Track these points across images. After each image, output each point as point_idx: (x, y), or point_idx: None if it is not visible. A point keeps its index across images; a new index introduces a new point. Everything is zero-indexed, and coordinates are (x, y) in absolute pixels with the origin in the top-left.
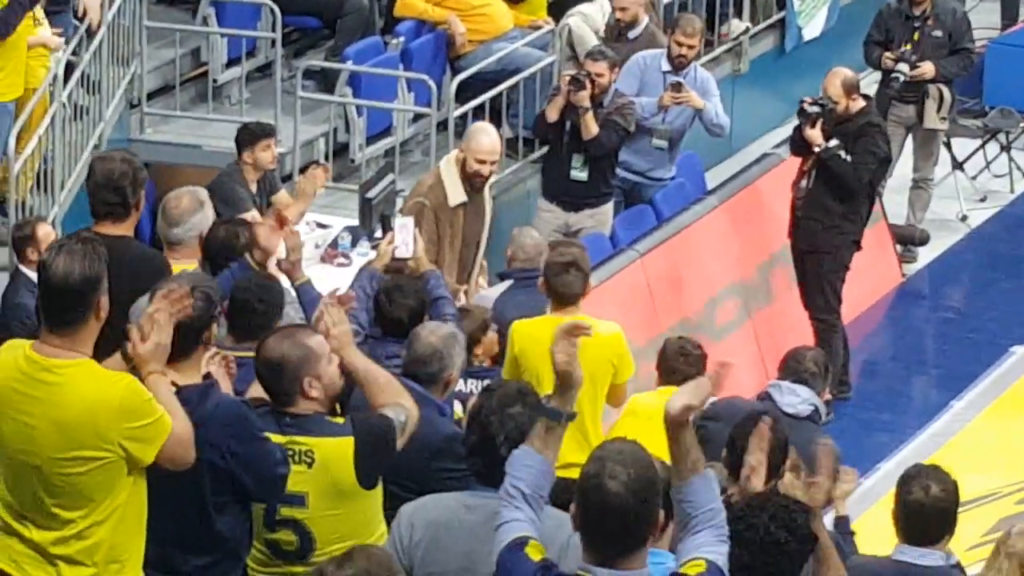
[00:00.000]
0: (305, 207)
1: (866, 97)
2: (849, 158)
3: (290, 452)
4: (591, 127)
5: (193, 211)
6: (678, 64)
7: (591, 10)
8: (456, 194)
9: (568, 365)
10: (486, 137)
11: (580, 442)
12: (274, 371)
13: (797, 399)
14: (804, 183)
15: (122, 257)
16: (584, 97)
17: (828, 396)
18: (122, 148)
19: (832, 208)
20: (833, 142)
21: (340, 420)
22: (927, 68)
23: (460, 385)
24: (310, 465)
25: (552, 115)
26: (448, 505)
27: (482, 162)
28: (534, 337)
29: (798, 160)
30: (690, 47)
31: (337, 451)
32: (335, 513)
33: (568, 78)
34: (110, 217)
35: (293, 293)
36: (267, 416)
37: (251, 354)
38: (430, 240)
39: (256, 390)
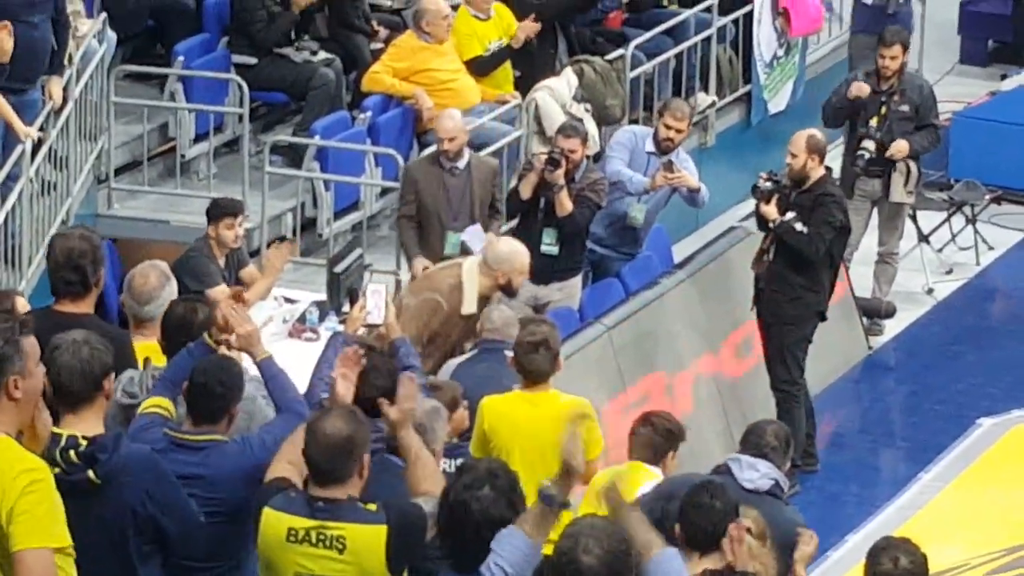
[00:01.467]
0: (272, 281)
1: (827, 168)
2: (806, 229)
3: (320, 537)
4: (566, 204)
5: (161, 287)
6: (664, 147)
7: (558, 85)
8: (470, 304)
9: (572, 456)
10: (522, 253)
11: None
12: (334, 450)
13: (756, 474)
14: (766, 257)
15: None
16: (560, 175)
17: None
18: (81, 225)
19: (793, 280)
20: (789, 215)
21: (373, 507)
22: (902, 147)
23: None
24: (341, 551)
25: (526, 192)
26: None
27: (524, 272)
28: (503, 414)
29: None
30: (678, 131)
31: (369, 539)
32: None
33: (544, 157)
34: (70, 295)
35: (255, 371)
36: (297, 499)
37: (211, 437)
38: (418, 340)
39: (280, 469)
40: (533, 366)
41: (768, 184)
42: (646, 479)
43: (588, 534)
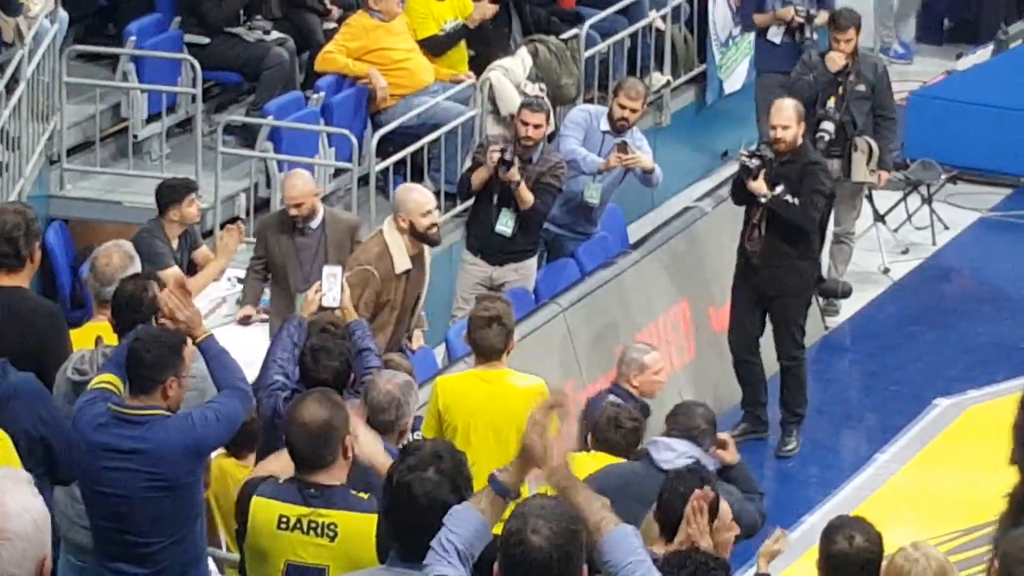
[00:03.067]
0: (226, 263)
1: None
2: (796, 200)
3: (312, 525)
4: (526, 198)
5: (124, 268)
6: (619, 127)
7: (512, 64)
8: (402, 262)
9: (534, 441)
10: (418, 194)
11: None
12: (315, 436)
13: (672, 454)
14: (757, 234)
15: (16, 307)
16: (514, 174)
17: None
18: (16, 202)
19: (789, 252)
20: (778, 188)
21: (364, 496)
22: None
23: None
24: (332, 539)
25: (475, 185)
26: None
27: (427, 213)
28: (458, 392)
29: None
30: (632, 110)
31: (361, 527)
32: None
33: (496, 156)
34: (4, 268)
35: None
36: (289, 487)
37: (153, 412)
38: (367, 307)
39: (269, 467)
40: (486, 342)
41: (755, 160)
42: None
43: (538, 514)
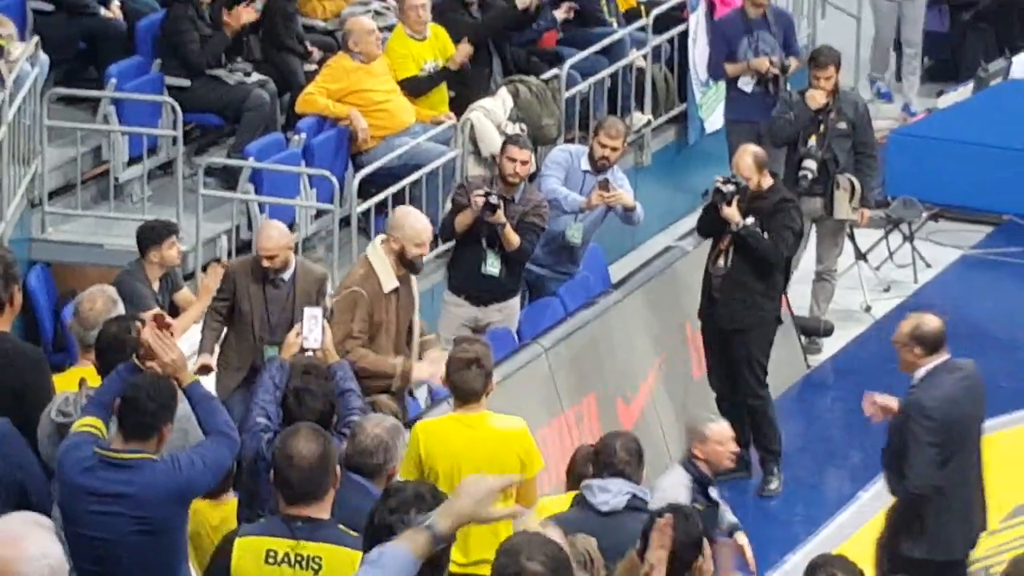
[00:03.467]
0: (207, 304)
1: (773, 175)
2: (766, 235)
3: (298, 559)
4: (512, 240)
5: (107, 312)
6: (600, 166)
7: (493, 105)
8: (389, 281)
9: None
10: (416, 221)
11: (490, 539)
12: (309, 470)
13: (608, 495)
14: (721, 263)
15: None
16: (500, 216)
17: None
18: None
19: (752, 286)
20: (749, 219)
21: (353, 533)
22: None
23: None
24: (316, 572)
25: (460, 228)
26: None
27: (421, 244)
28: (439, 437)
29: (703, 252)
30: (613, 149)
31: (345, 561)
32: None
33: (481, 201)
34: None
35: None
36: (275, 521)
37: (140, 455)
38: (363, 331)
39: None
40: (466, 384)
41: (730, 187)
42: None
43: (528, 546)
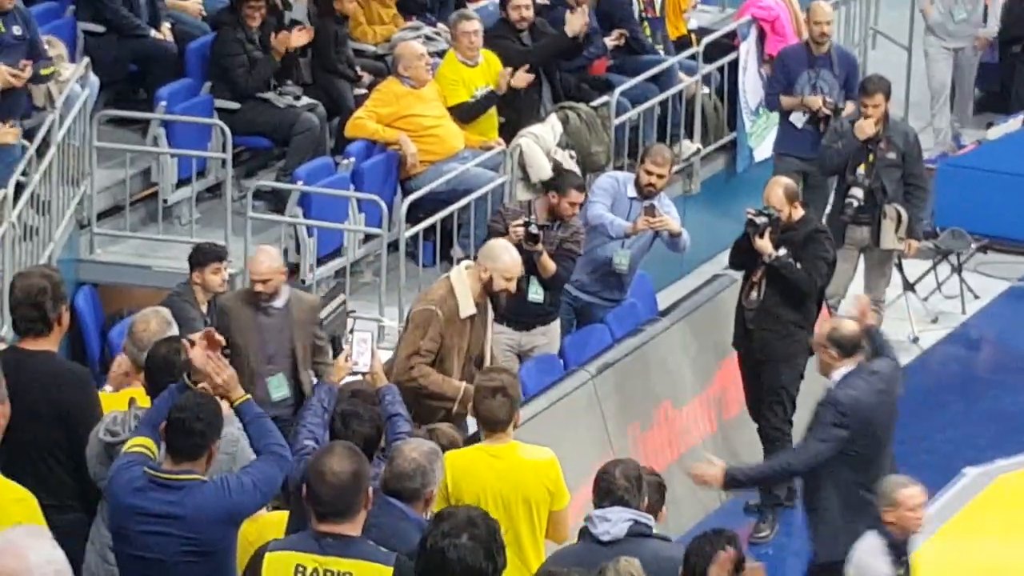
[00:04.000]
0: None
1: (804, 205)
2: (799, 265)
3: (327, 572)
4: (549, 267)
5: (161, 333)
6: (647, 193)
7: (542, 131)
8: (467, 306)
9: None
10: (511, 257)
11: (520, 567)
12: (342, 487)
13: (608, 524)
14: (755, 295)
15: (43, 371)
16: (540, 246)
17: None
18: (44, 264)
19: (785, 316)
20: (781, 251)
21: (384, 549)
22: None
23: None
24: None
25: None
26: None
27: (510, 279)
28: (467, 469)
29: None
30: (660, 176)
31: None
32: None
33: (522, 232)
34: (31, 333)
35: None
36: (306, 537)
37: (190, 477)
38: (431, 350)
39: None
40: (491, 414)
41: (762, 218)
42: None
43: None
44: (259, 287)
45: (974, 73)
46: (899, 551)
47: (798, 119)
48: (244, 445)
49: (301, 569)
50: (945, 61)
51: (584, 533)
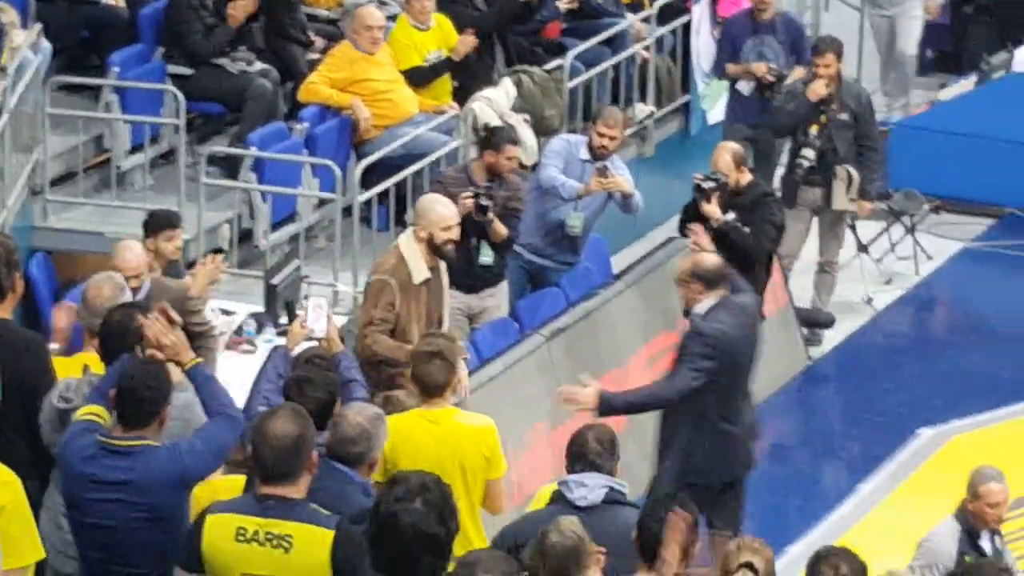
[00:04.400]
0: (202, 289)
1: (751, 170)
2: (747, 230)
3: (268, 536)
4: (500, 231)
5: (114, 299)
6: (599, 155)
7: (496, 95)
8: (420, 271)
9: None
10: (442, 207)
11: (458, 538)
12: (286, 449)
13: (585, 489)
14: None
15: None
16: (491, 216)
17: None
18: None
19: None
20: (729, 215)
21: (326, 512)
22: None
23: None
24: (287, 550)
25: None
26: None
27: (448, 228)
28: (404, 434)
29: None
30: (611, 138)
31: (315, 540)
32: None
33: (471, 203)
34: None
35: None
36: (248, 500)
37: (141, 442)
38: (384, 319)
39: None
40: (429, 377)
41: (710, 183)
42: None
43: (485, 560)
44: (133, 283)
45: (914, 37)
46: (973, 539)
47: (745, 87)
48: (198, 410)
49: (242, 531)
50: (883, 28)
51: (558, 497)
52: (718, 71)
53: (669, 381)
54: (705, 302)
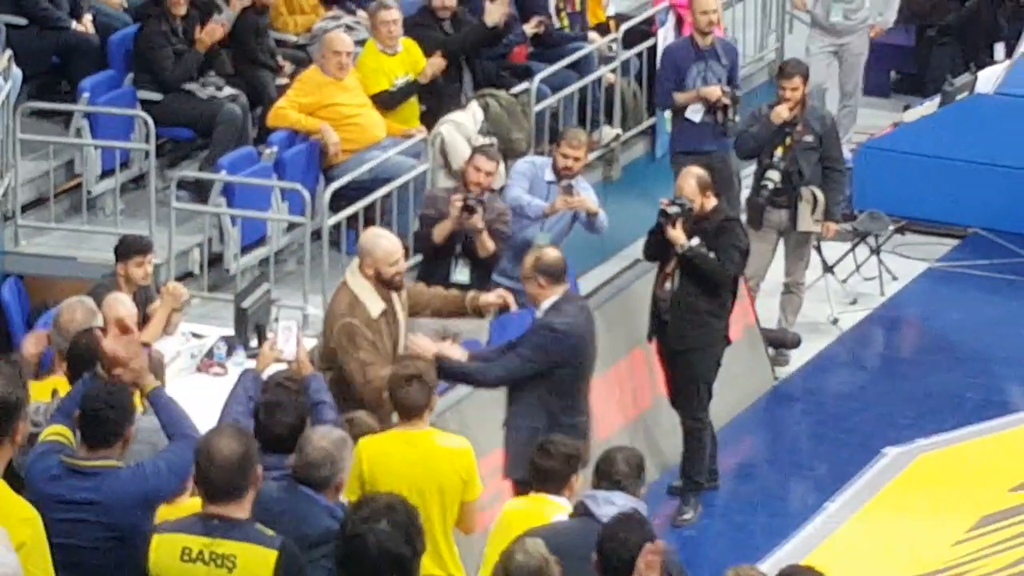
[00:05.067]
0: (165, 315)
1: (717, 195)
2: (712, 255)
3: (212, 556)
4: (488, 245)
5: (87, 323)
6: (563, 175)
7: (463, 118)
8: (375, 305)
9: None
10: (386, 241)
11: (431, 553)
12: (231, 468)
13: (613, 508)
14: (668, 285)
15: None
16: (478, 220)
17: None
18: None
19: (700, 306)
20: (695, 240)
21: (271, 532)
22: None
23: None
24: (231, 570)
25: (439, 238)
26: None
27: (395, 263)
28: (382, 455)
29: None
30: (576, 159)
31: (258, 560)
32: None
33: (460, 204)
34: None
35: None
36: (193, 519)
37: (105, 463)
38: (373, 360)
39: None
40: (408, 399)
41: (675, 208)
42: (554, 512)
43: None
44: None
45: (860, 67)
46: None
47: (695, 113)
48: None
49: (187, 551)
50: (822, 61)
51: (582, 509)
52: (664, 102)
53: (501, 363)
54: (551, 297)
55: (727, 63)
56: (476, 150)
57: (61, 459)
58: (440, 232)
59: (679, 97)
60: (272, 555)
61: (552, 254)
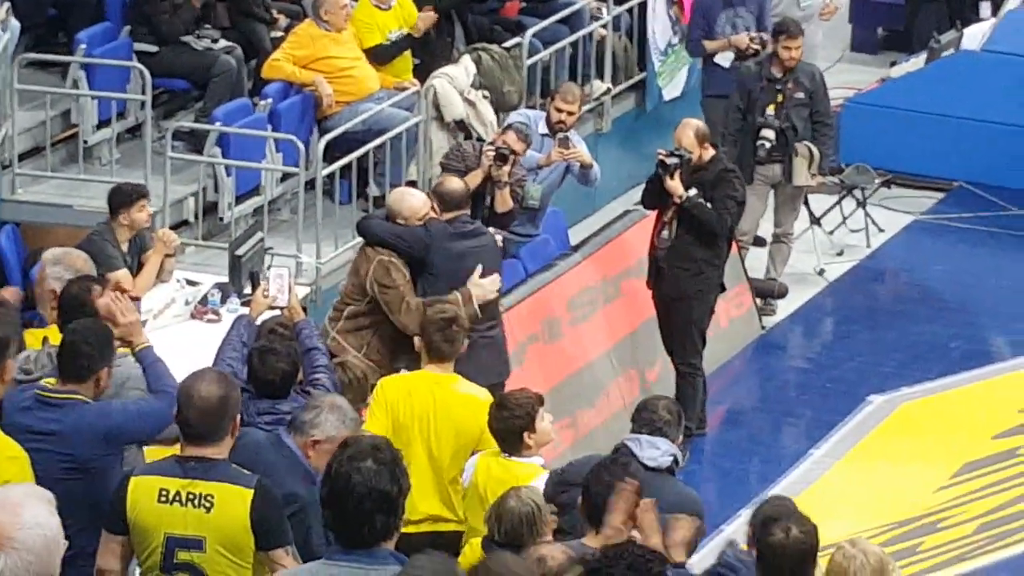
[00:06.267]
0: (160, 259)
1: (714, 146)
2: (709, 205)
3: (190, 497)
4: (508, 201)
5: (86, 271)
6: (557, 129)
7: (456, 72)
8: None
9: None
10: (414, 199)
11: (442, 497)
12: (210, 411)
13: (657, 452)
14: (666, 234)
15: None
16: (506, 172)
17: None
18: None
19: (696, 255)
20: (692, 191)
21: (247, 472)
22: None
23: None
24: (208, 510)
25: (474, 184)
26: (311, 570)
27: (423, 217)
28: (404, 391)
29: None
30: (570, 113)
31: (235, 499)
32: (234, 562)
33: (492, 153)
34: None
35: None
36: (169, 462)
37: (73, 396)
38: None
39: None
40: (447, 343)
41: (673, 159)
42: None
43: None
44: None
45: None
46: None
47: (724, 59)
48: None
49: (164, 492)
50: None
51: (624, 452)
52: (695, 49)
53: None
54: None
55: (755, 8)
56: (512, 130)
57: (35, 391)
58: (473, 181)
59: (709, 45)
60: (248, 493)
61: (452, 183)
